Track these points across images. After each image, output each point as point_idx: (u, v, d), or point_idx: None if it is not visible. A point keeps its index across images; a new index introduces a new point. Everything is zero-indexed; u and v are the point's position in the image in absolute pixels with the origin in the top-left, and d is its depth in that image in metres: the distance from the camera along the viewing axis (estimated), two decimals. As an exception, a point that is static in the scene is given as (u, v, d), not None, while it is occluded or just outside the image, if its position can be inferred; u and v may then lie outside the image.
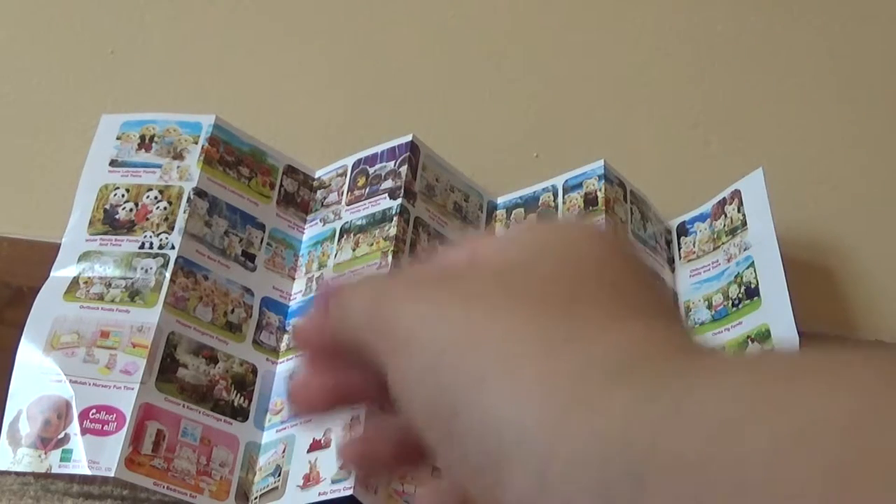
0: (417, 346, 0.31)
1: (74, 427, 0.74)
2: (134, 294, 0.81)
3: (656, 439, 0.25)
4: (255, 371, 0.83)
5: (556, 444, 0.27)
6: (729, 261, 0.90)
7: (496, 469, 0.28)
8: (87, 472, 0.73)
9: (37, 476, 0.76)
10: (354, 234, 0.88)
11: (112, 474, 0.73)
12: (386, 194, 0.89)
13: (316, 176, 0.95)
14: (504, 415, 0.28)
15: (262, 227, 0.89)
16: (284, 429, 0.80)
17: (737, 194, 0.92)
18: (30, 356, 0.78)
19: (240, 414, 0.81)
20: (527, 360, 0.28)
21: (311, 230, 0.92)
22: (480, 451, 0.28)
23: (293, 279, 0.89)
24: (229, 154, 0.90)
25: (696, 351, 0.28)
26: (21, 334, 0.79)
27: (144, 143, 0.90)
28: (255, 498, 0.77)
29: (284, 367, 0.84)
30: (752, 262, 0.87)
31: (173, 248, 0.83)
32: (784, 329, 0.82)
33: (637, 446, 0.25)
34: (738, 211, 0.91)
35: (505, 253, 0.33)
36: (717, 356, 0.28)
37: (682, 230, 0.96)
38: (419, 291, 0.32)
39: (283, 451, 0.78)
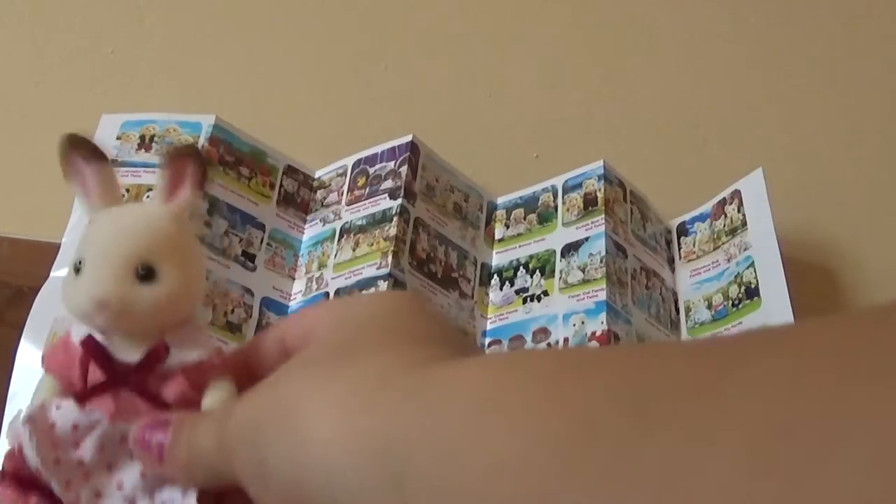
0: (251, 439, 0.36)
1: (74, 427, 0.74)
2: (134, 294, 0.81)
3: (410, 432, 0.31)
4: (255, 371, 0.83)
5: (339, 456, 0.32)
6: (729, 261, 0.89)
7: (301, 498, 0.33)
8: (87, 472, 0.73)
9: (37, 476, 0.76)
10: (354, 234, 0.88)
11: (112, 474, 0.73)
12: (386, 194, 0.89)
13: (316, 176, 0.95)
14: (305, 440, 0.33)
15: (262, 227, 0.89)
16: (284, 429, 0.80)
17: (737, 194, 0.92)
18: (30, 356, 0.78)
19: (240, 414, 0.80)
20: (318, 393, 0.34)
21: (311, 230, 0.92)
22: (289, 488, 0.34)
23: (293, 279, 0.89)
24: (229, 154, 0.90)
25: (452, 365, 0.33)
26: (21, 334, 0.79)
27: (144, 143, 0.90)
28: (255, 498, 0.77)
29: (284, 367, 0.84)
30: (752, 262, 0.87)
31: (173, 248, 0.83)
32: (784, 329, 0.81)
33: (396, 440, 0.31)
34: (738, 211, 0.91)
35: (327, 329, 0.39)
36: (462, 368, 0.32)
37: (682, 230, 0.96)
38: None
39: (283, 451, 0.78)
